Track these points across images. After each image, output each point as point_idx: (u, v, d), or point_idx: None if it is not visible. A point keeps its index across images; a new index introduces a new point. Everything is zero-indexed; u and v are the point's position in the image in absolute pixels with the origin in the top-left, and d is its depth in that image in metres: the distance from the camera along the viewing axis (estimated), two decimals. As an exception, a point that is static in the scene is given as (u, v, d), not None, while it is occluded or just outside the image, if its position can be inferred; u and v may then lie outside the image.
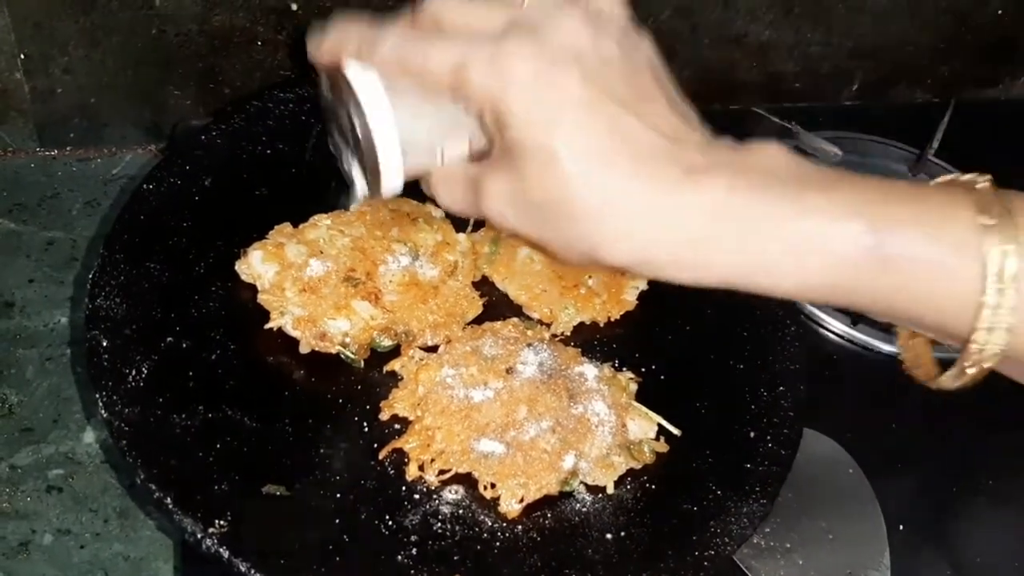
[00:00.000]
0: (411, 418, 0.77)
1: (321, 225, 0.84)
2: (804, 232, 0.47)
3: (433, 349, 0.81)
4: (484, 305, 0.85)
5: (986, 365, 0.48)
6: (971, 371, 0.49)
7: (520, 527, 0.73)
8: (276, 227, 0.83)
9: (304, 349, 0.79)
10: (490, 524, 0.73)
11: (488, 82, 0.48)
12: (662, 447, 0.78)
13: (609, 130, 0.48)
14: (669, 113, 0.50)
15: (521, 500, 0.73)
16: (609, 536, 0.73)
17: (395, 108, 0.52)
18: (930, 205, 0.47)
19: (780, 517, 0.82)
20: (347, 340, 0.79)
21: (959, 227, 0.46)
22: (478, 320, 0.84)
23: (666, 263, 0.49)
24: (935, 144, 1.10)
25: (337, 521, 0.70)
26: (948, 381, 0.52)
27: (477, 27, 0.50)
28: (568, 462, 0.75)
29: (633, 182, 0.48)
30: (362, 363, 0.80)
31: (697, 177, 0.48)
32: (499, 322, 0.84)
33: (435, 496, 0.73)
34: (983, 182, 0.49)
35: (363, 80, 0.52)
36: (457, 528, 0.72)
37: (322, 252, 0.81)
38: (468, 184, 0.53)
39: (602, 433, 0.76)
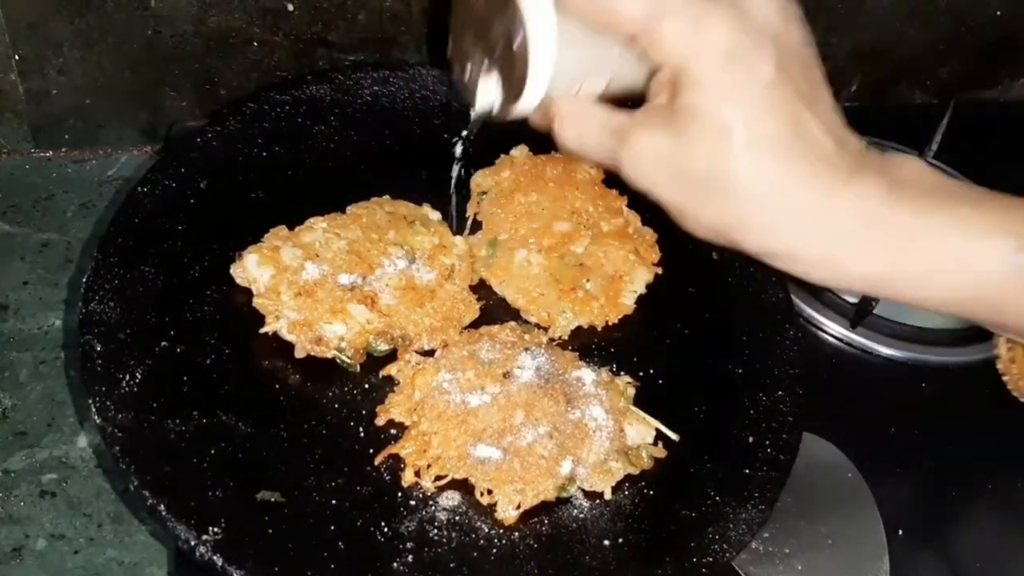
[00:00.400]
0: (407, 423, 0.76)
1: (317, 228, 0.83)
2: (955, 246, 0.48)
3: (430, 353, 0.81)
4: (481, 309, 0.85)
5: None
6: None
7: (517, 534, 0.72)
8: (272, 230, 0.83)
9: (299, 354, 0.78)
10: (487, 531, 0.72)
11: (684, 41, 0.48)
12: (660, 452, 0.78)
13: (789, 121, 0.48)
14: (833, 113, 0.51)
15: (518, 506, 0.73)
16: (607, 543, 0.73)
17: (558, 29, 0.52)
18: None
19: (779, 522, 0.81)
20: (343, 344, 0.78)
21: None
22: (475, 324, 0.84)
23: (808, 261, 0.50)
24: (934, 145, 1.10)
25: (332, 528, 0.69)
26: None
27: None
28: (565, 468, 0.74)
29: (799, 177, 0.48)
30: (358, 368, 0.79)
31: (856, 182, 0.49)
32: (496, 326, 0.83)
33: (431, 502, 0.73)
34: None
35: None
36: (453, 535, 0.71)
37: (318, 255, 0.81)
38: (610, 130, 0.52)
39: (600, 438, 0.76)
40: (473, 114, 0.60)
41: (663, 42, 0.48)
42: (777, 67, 0.48)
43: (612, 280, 0.87)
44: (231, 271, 0.80)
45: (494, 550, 0.71)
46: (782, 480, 0.77)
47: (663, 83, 0.50)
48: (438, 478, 0.74)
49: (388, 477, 0.74)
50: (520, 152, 0.93)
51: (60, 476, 0.92)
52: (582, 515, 0.74)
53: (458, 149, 0.66)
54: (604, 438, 0.76)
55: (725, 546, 0.72)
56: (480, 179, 0.92)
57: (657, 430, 0.79)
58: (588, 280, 0.87)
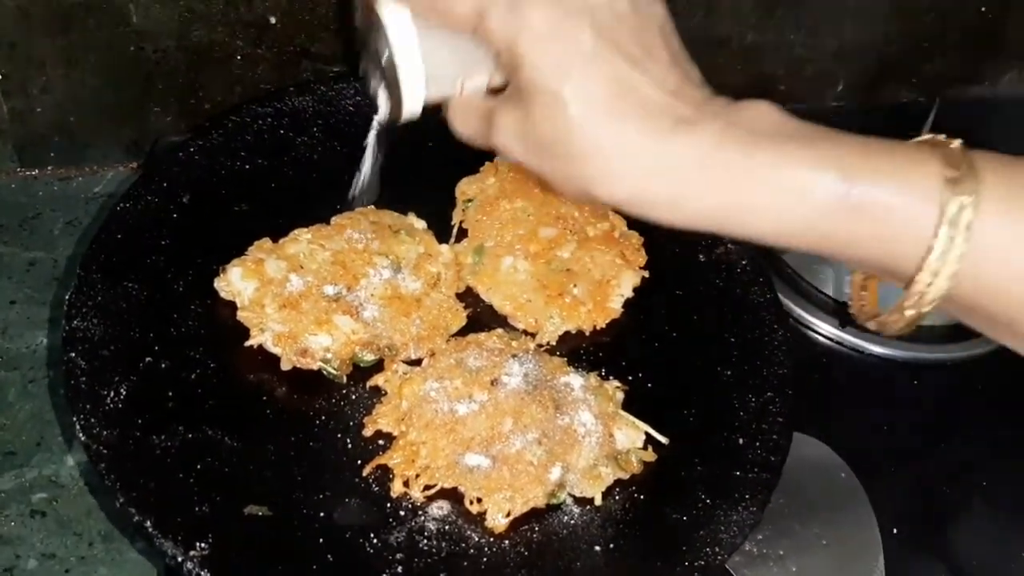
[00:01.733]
0: (395, 433, 0.76)
1: (301, 240, 0.83)
2: (784, 180, 0.52)
3: (417, 363, 0.80)
4: (468, 317, 0.85)
5: (925, 309, 0.53)
6: (910, 313, 0.54)
7: (507, 542, 0.72)
8: (255, 243, 0.83)
9: (285, 366, 0.78)
10: (477, 540, 0.72)
11: (505, 28, 0.53)
12: (650, 456, 0.77)
13: (613, 82, 0.53)
14: (671, 70, 0.55)
15: (508, 514, 0.72)
16: (598, 548, 0.72)
17: (422, 40, 0.58)
18: (901, 158, 0.52)
19: (772, 524, 0.81)
20: (329, 356, 0.78)
21: (925, 178, 0.50)
22: (462, 332, 0.84)
23: (654, 203, 0.54)
24: (921, 143, 1.10)
25: (321, 540, 0.69)
26: (892, 322, 0.56)
27: None
28: (555, 474, 0.74)
29: (629, 129, 0.53)
30: (344, 379, 0.79)
31: (688, 127, 0.53)
32: (483, 333, 0.83)
33: (420, 512, 0.72)
34: (955, 143, 0.52)
35: (394, 13, 0.57)
36: (443, 544, 0.71)
37: (302, 267, 0.81)
38: (482, 115, 0.58)
39: (589, 444, 0.76)
40: (375, 124, 0.67)
41: (491, 31, 0.54)
42: (596, 36, 0.53)
43: (599, 285, 0.87)
44: (215, 285, 0.80)
45: (484, 559, 0.71)
46: (773, 482, 0.76)
47: (505, 69, 0.56)
48: (427, 488, 0.73)
49: (376, 488, 0.73)
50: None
51: (50, 495, 0.91)
52: (573, 521, 0.74)
53: (369, 141, 0.71)
54: (593, 443, 0.76)
55: (717, 549, 0.72)
56: (465, 186, 0.92)
57: (647, 434, 0.78)
58: (575, 285, 0.86)
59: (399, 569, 0.69)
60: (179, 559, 0.65)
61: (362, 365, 0.80)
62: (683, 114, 0.53)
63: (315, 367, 0.78)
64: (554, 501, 0.74)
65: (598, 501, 0.74)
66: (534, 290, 0.86)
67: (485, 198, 0.91)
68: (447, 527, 0.72)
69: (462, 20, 0.55)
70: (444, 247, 0.87)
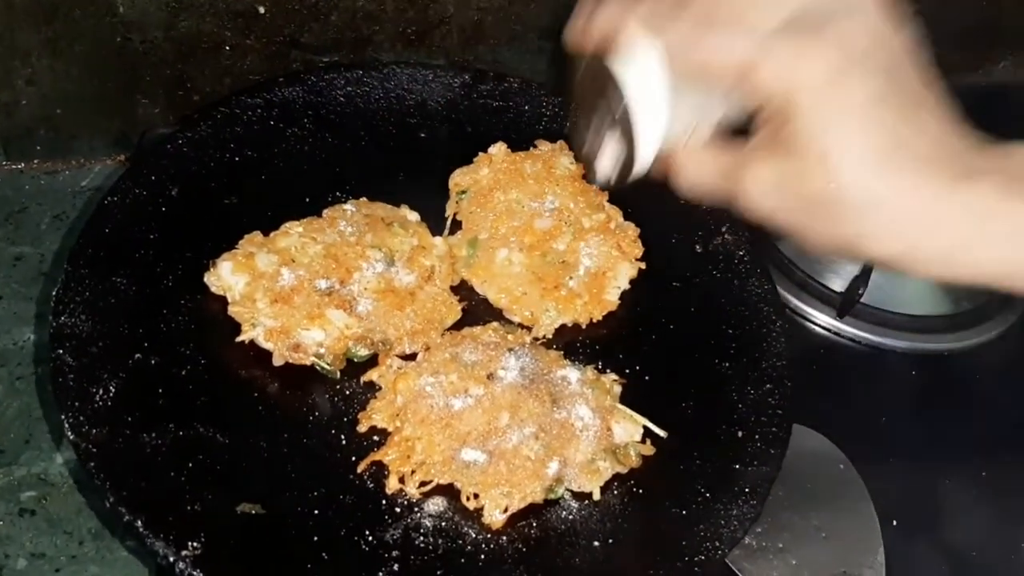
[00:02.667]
0: (390, 429, 0.75)
1: (292, 233, 0.82)
2: None
3: (411, 357, 0.79)
4: (463, 310, 0.84)
5: None
6: None
7: (505, 538, 0.71)
8: (246, 236, 0.81)
9: (277, 361, 0.76)
10: (474, 536, 0.71)
11: (780, 80, 0.51)
12: (648, 450, 0.77)
13: (887, 134, 0.51)
14: (939, 119, 0.53)
15: (505, 510, 0.71)
16: (596, 544, 0.71)
17: (663, 89, 0.55)
18: None
19: (772, 516, 0.80)
20: (322, 351, 0.77)
21: None
22: (457, 326, 0.82)
23: (932, 261, 0.53)
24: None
25: (315, 539, 0.68)
26: None
27: (756, 20, 0.52)
28: (552, 469, 0.73)
29: (906, 184, 0.51)
30: (338, 374, 0.78)
31: (968, 181, 0.51)
32: (479, 327, 0.82)
33: (416, 509, 0.71)
34: None
35: (641, 62, 0.54)
36: (440, 541, 0.70)
37: (294, 261, 0.79)
38: (723, 172, 0.56)
39: (586, 438, 0.75)
40: (596, 184, 0.64)
41: (764, 82, 0.52)
42: (871, 86, 0.51)
43: (595, 277, 0.86)
44: (205, 280, 0.79)
45: (482, 556, 0.70)
46: (773, 475, 0.75)
47: (769, 121, 0.53)
48: (423, 484, 0.72)
49: (371, 485, 0.72)
50: (498, 149, 0.92)
51: (39, 493, 0.90)
52: (571, 516, 0.73)
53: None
54: (591, 437, 0.75)
55: (717, 543, 0.71)
56: (458, 178, 0.91)
57: (645, 427, 0.78)
58: (571, 277, 0.85)
59: (395, 567, 0.68)
60: (171, 559, 0.64)
61: (356, 360, 0.78)
62: (961, 166, 0.52)
63: (308, 362, 0.77)
64: (552, 496, 0.73)
65: (596, 496, 0.74)
66: (529, 283, 0.85)
67: (479, 189, 0.89)
68: (443, 524, 0.71)
69: (727, 71, 0.53)
70: (438, 239, 0.86)
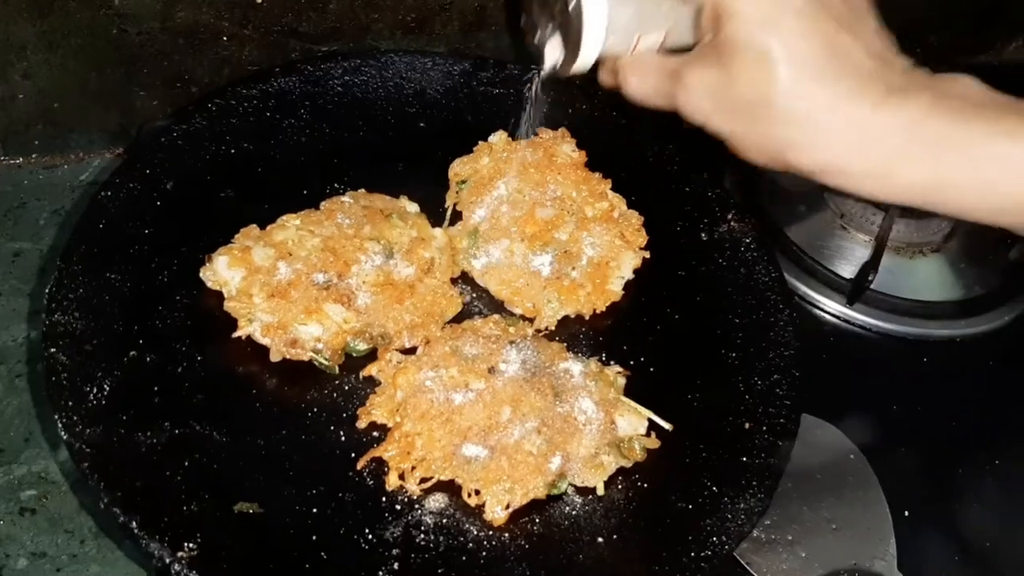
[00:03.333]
0: (390, 425, 0.74)
1: (290, 226, 0.81)
2: (998, 153, 0.51)
3: (411, 351, 0.78)
4: (464, 303, 0.82)
5: None
6: None
7: (507, 535, 0.70)
8: (242, 230, 0.80)
9: (275, 357, 0.75)
10: (476, 533, 0.69)
11: None
12: (653, 443, 0.75)
13: (825, 42, 0.52)
14: (876, 36, 0.54)
15: (507, 506, 0.70)
16: (601, 540, 0.70)
17: None
18: None
19: (780, 508, 0.79)
20: (320, 346, 0.76)
21: None
22: (458, 319, 0.81)
23: (857, 173, 0.54)
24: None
25: (314, 538, 0.67)
26: None
27: None
28: (555, 464, 0.72)
29: (839, 94, 0.52)
30: (337, 369, 0.77)
31: (899, 96, 0.52)
32: (480, 320, 0.81)
33: (417, 506, 0.70)
34: None
35: None
36: (441, 539, 0.69)
37: (291, 254, 0.78)
38: (664, 73, 0.58)
39: (590, 432, 0.73)
40: (540, 73, 0.66)
41: None
42: None
43: (598, 266, 0.84)
44: (201, 274, 0.78)
45: (484, 553, 0.68)
46: (781, 467, 0.74)
47: (707, 22, 0.54)
48: (423, 480, 0.71)
49: (371, 482, 0.71)
50: (498, 138, 0.90)
51: (40, 492, 0.89)
52: (574, 512, 0.72)
53: (533, 91, 0.73)
54: (594, 431, 0.74)
55: (724, 538, 0.70)
56: (458, 168, 0.90)
57: (650, 420, 0.76)
58: (573, 267, 0.84)
59: (395, 565, 0.66)
60: (167, 560, 0.63)
61: (354, 355, 0.77)
62: (893, 82, 0.52)
63: (306, 358, 0.76)
64: (555, 492, 0.72)
65: (600, 491, 0.72)
66: (531, 273, 0.83)
67: (479, 179, 0.88)
68: (445, 521, 0.70)
69: None
70: (438, 231, 0.84)
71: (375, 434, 0.74)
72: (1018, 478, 0.90)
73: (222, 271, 0.77)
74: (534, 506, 0.71)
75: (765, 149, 0.55)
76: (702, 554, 0.69)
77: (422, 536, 0.69)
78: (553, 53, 0.64)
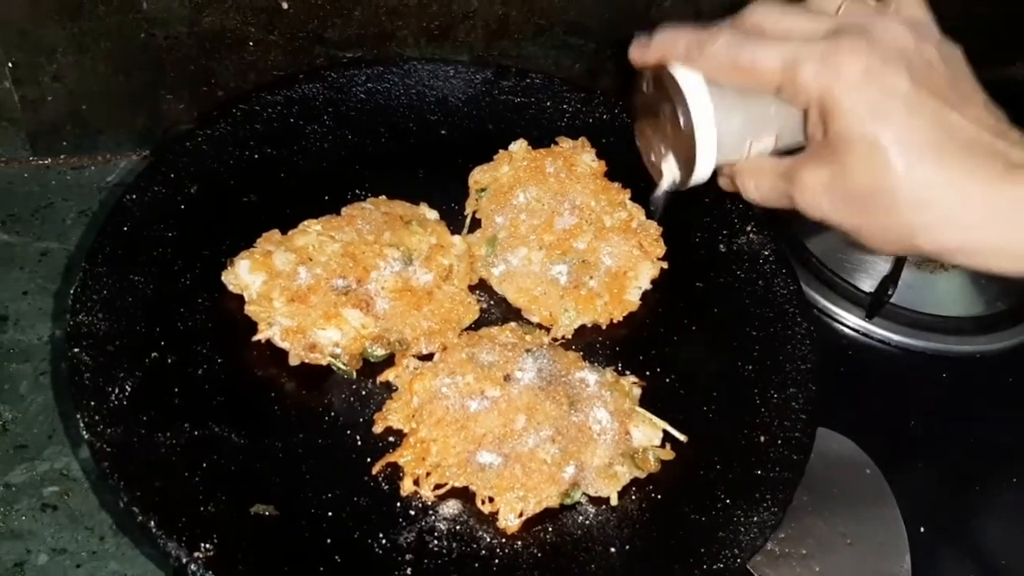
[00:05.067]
0: (406, 430, 0.74)
1: (310, 231, 0.81)
2: None
3: (428, 357, 0.78)
4: (481, 310, 0.83)
5: None
6: None
7: (520, 543, 0.70)
8: (264, 235, 0.81)
9: (294, 361, 0.76)
10: (489, 540, 0.70)
11: (820, 77, 0.53)
12: (668, 455, 0.75)
13: (934, 124, 0.52)
14: (987, 113, 0.54)
15: (521, 514, 0.70)
16: (613, 550, 0.70)
17: (714, 104, 0.59)
18: None
19: (795, 522, 0.79)
20: (338, 350, 0.76)
21: None
22: (475, 326, 0.81)
23: (987, 251, 0.53)
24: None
25: (329, 541, 0.67)
26: None
27: (801, 31, 0.55)
28: (569, 473, 0.72)
29: (958, 174, 0.52)
30: (354, 374, 0.77)
31: (1018, 172, 0.52)
32: (496, 327, 0.81)
33: (431, 512, 0.71)
34: None
35: (689, 78, 0.59)
36: (454, 545, 0.69)
37: (311, 259, 0.79)
38: (779, 175, 0.59)
39: (604, 441, 0.73)
40: (659, 191, 0.67)
41: (802, 86, 0.54)
42: (912, 78, 0.52)
43: (616, 276, 0.84)
44: (223, 278, 0.78)
45: (496, 560, 0.69)
46: (796, 481, 0.74)
47: (815, 120, 0.55)
48: (438, 487, 0.71)
49: (386, 487, 0.71)
50: (518, 147, 0.90)
51: (61, 489, 0.90)
52: (587, 522, 0.72)
53: (656, 205, 0.71)
54: (609, 441, 0.74)
55: (736, 551, 0.70)
56: (478, 175, 0.90)
57: (664, 431, 0.76)
58: (591, 277, 0.84)
59: (408, 571, 0.67)
60: (183, 560, 0.64)
61: (372, 360, 0.78)
62: (1012, 155, 0.52)
63: (324, 362, 0.76)
64: (568, 501, 0.72)
65: (614, 501, 0.72)
66: (549, 282, 0.84)
67: (499, 187, 0.88)
68: (458, 527, 0.70)
69: (768, 76, 0.55)
70: (457, 238, 0.85)
71: (391, 439, 0.74)
72: (1036, 496, 0.89)
73: (243, 275, 0.78)
74: (547, 515, 0.71)
75: (891, 237, 0.55)
76: (715, 567, 0.69)
77: (435, 542, 0.69)
78: (671, 171, 0.64)
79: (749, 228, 0.90)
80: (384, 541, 0.68)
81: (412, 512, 0.70)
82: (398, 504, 0.71)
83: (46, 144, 1.13)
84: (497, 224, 0.86)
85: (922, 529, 0.83)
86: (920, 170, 0.52)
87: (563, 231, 0.85)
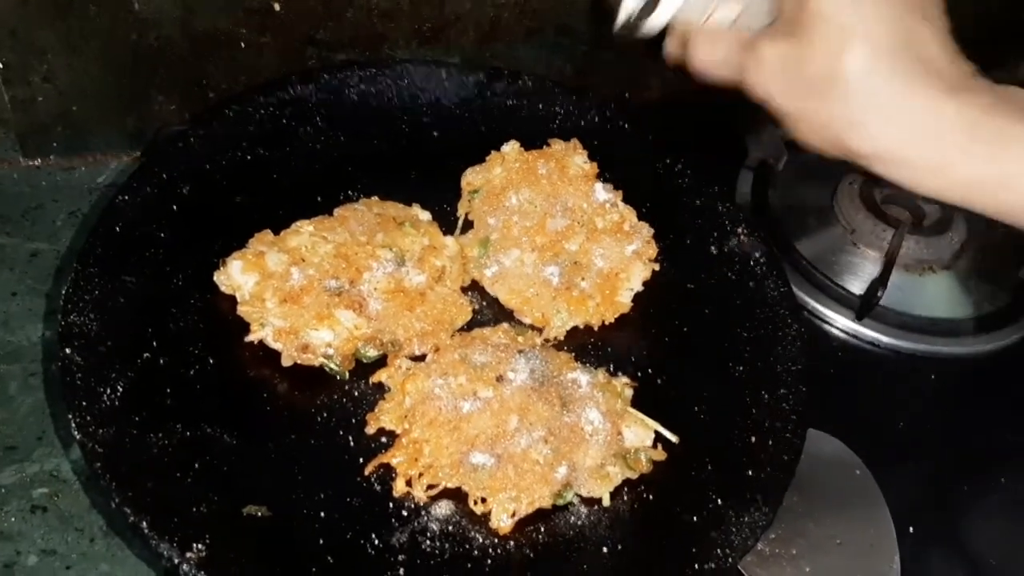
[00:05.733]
0: (398, 431, 0.74)
1: (303, 232, 0.81)
2: None
3: (421, 358, 0.78)
4: (473, 311, 0.83)
5: None
6: None
7: (512, 543, 0.70)
8: (256, 235, 0.81)
9: (286, 362, 0.76)
10: (481, 541, 0.70)
11: None
12: (659, 455, 0.76)
13: (905, 30, 0.53)
14: (947, 35, 0.55)
15: (513, 515, 0.71)
16: (605, 550, 0.70)
17: None
18: None
19: (785, 523, 0.79)
20: (330, 351, 0.76)
21: None
22: (467, 327, 0.82)
23: (915, 164, 0.54)
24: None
25: (321, 541, 0.68)
26: None
27: None
28: (561, 473, 0.72)
29: (910, 81, 0.53)
30: (347, 375, 0.77)
31: (965, 93, 0.53)
32: (489, 328, 0.81)
33: (423, 513, 0.71)
34: None
35: None
36: (447, 546, 0.69)
37: (304, 260, 0.79)
38: (736, 45, 0.59)
39: (596, 442, 0.74)
40: (614, 27, 0.66)
41: None
42: None
43: (608, 278, 0.85)
44: (215, 279, 0.79)
45: (489, 561, 0.69)
46: (786, 482, 0.74)
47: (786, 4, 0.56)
48: (430, 487, 0.72)
49: (378, 487, 0.72)
50: (511, 148, 0.91)
51: (51, 490, 0.90)
52: (580, 522, 0.72)
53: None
54: (601, 442, 0.74)
55: (728, 551, 0.70)
56: (471, 177, 0.90)
57: (656, 432, 0.77)
58: (583, 278, 0.84)
59: (401, 571, 0.67)
60: (175, 560, 0.64)
61: (365, 361, 0.78)
62: (959, 80, 0.53)
63: (317, 363, 0.76)
64: (560, 501, 0.72)
65: (606, 501, 0.73)
66: (541, 284, 0.84)
67: (491, 189, 0.89)
68: (451, 528, 0.70)
69: None
70: (449, 239, 0.85)
71: (383, 440, 0.74)
72: (1024, 497, 0.90)
73: (236, 275, 0.78)
74: (540, 515, 0.71)
75: (826, 130, 0.56)
76: (706, 567, 0.69)
77: (428, 543, 0.69)
78: (629, 4, 0.64)
79: (740, 230, 0.90)
80: (376, 542, 0.68)
81: (405, 513, 0.71)
82: (390, 505, 0.71)
83: (36, 145, 1.13)
84: (490, 225, 0.87)
85: (911, 529, 0.83)
86: (875, 65, 0.53)
87: (555, 233, 0.86)
